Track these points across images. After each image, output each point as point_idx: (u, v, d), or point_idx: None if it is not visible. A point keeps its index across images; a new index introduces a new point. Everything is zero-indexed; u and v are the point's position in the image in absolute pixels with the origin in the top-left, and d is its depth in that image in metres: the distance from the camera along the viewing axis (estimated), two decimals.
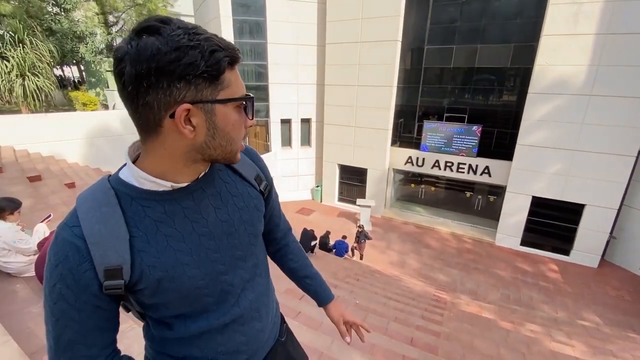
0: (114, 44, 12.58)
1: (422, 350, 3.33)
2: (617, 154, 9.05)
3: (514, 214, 10.86)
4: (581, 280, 9.46)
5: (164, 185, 0.69)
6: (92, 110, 9.62)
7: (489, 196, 12.52)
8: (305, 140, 14.18)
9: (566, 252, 10.50)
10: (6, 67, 7.51)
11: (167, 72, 0.57)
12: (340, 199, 14.17)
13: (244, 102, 0.67)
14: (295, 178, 14.37)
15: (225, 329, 0.81)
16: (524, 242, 10.99)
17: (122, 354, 0.76)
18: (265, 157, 12.44)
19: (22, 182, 5.18)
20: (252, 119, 0.70)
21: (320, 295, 1.13)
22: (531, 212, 10.66)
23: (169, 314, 0.75)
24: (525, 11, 10.29)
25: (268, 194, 0.94)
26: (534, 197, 10.43)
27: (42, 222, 3.10)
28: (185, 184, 0.71)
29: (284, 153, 13.77)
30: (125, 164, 0.71)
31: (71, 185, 5.96)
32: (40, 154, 7.55)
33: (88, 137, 8.56)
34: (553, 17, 9.22)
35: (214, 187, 0.77)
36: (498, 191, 11.99)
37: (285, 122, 13.58)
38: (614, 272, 9.91)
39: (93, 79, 12.68)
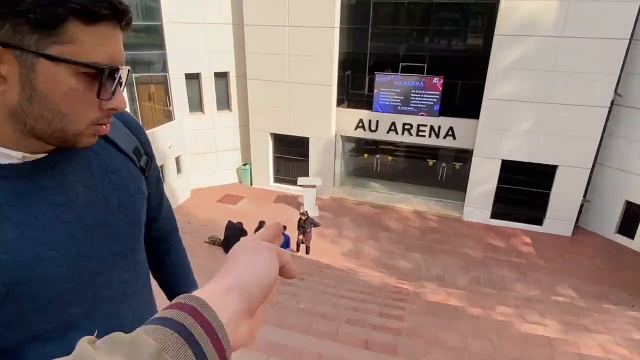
0: None
1: (379, 353, 3.59)
2: (590, 105, 10.16)
3: (483, 182, 11.83)
4: (555, 251, 10.76)
5: (12, 156, 0.67)
6: None
7: (454, 163, 13.46)
8: (224, 103, 13.77)
9: (539, 222, 11.82)
10: None
11: None
12: (276, 180, 14.15)
13: (95, 71, 0.63)
14: (212, 155, 13.98)
15: None
16: (494, 215, 12.10)
17: None
18: (166, 128, 11.84)
19: None
20: (110, 98, 0.67)
21: None
22: (501, 179, 11.69)
23: (17, 337, 0.71)
24: None
25: (148, 174, 0.96)
26: (503, 161, 11.44)
27: None
28: (42, 155, 0.70)
29: (194, 121, 13.29)
30: None
31: None
32: None
33: None
34: None
35: (82, 159, 0.77)
36: (465, 156, 12.90)
37: (193, 78, 12.96)
38: (588, 239, 11.40)
39: None
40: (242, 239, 0.56)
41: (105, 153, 0.82)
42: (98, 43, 0.62)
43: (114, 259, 0.81)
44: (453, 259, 10.29)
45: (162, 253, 1.14)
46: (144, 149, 0.94)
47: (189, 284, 1.18)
